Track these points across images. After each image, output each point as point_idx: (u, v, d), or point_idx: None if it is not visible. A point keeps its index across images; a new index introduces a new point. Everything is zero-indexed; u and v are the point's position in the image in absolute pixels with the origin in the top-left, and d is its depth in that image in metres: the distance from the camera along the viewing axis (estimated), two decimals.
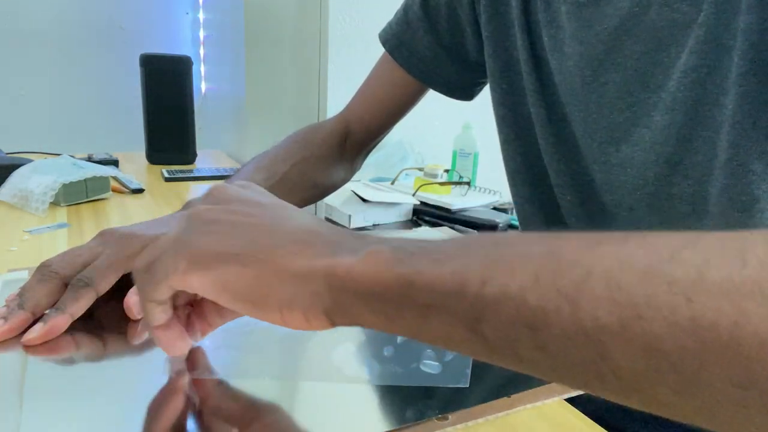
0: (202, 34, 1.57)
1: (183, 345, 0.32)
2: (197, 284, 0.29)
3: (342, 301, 0.27)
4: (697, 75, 0.43)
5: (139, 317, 0.41)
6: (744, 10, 0.39)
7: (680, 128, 0.46)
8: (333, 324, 0.28)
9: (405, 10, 0.69)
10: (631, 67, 0.48)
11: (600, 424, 0.35)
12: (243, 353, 0.39)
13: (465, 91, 0.72)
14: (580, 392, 0.37)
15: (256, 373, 0.37)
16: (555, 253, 0.22)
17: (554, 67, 0.54)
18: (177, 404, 0.33)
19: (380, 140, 0.77)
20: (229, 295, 0.29)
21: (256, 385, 0.35)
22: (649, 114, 0.47)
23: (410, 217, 1.41)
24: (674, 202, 0.48)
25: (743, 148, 0.42)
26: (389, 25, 0.71)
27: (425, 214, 1.39)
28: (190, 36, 1.66)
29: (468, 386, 0.36)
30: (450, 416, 0.33)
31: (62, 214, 0.73)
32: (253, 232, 0.29)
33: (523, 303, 0.22)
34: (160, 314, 0.31)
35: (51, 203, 0.75)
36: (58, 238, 0.64)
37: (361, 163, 0.78)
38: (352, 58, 1.79)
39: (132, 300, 0.41)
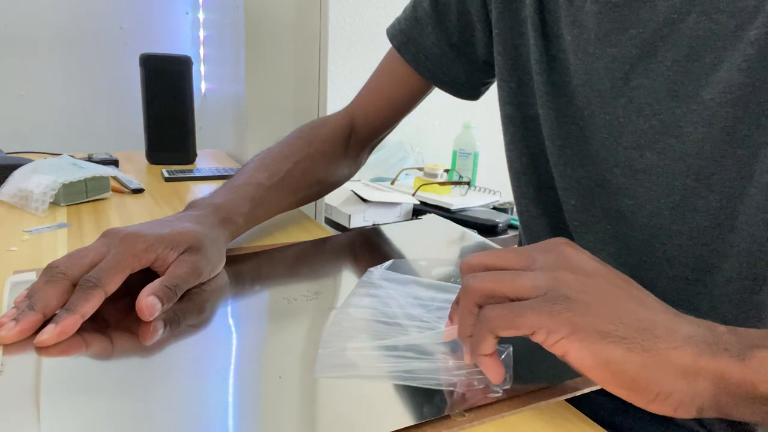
0: (202, 34, 1.57)
1: (502, 372, 0.35)
2: (575, 354, 0.30)
3: (726, 402, 0.30)
4: (741, 93, 0.43)
5: (150, 319, 0.41)
6: None
7: (715, 143, 0.45)
8: (700, 416, 0.30)
9: (414, 6, 0.68)
10: (662, 74, 0.47)
11: (600, 424, 0.35)
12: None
13: (471, 91, 0.71)
14: (581, 392, 0.37)
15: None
16: None
17: (577, 67, 0.53)
18: None
19: (385, 136, 0.77)
20: (608, 374, 0.30)
21: (270, 382, 0.36)
22: (677, 124, 0.47)
23: (410, 217, 1.42)
24: (699, 213, 0.47)
25: None
26: (397, 20, 0.70)
27: (425, 214, 1.39)
28: (190, 36, 1.65)
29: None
30: (466, 414, 0.33)
31: (62, 214, 0.73)
32: (623, 310, 0.31)
33: None
34: (493, 345, 0.34)
35: (51, 203, 0.75)
36: (58, 238, 0.64)
37: (366, 159, 0.78)
38: (352, 58, 1.79)
39: (144, 302, 0.41)
